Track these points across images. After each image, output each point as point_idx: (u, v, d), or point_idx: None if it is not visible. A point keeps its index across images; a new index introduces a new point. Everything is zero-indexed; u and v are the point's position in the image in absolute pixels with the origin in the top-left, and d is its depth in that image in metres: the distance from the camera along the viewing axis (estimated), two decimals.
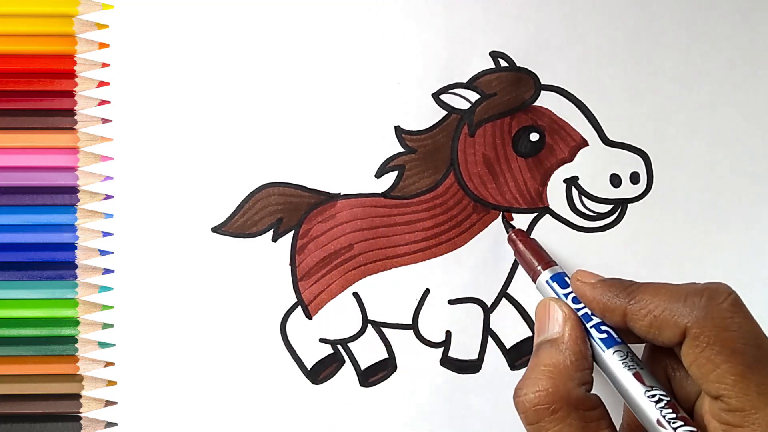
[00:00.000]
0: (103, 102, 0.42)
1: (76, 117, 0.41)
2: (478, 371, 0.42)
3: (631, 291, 0.35)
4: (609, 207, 0.42)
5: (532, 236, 0.41)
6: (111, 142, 0.41)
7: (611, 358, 0.35)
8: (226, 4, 0.42)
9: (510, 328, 0.42)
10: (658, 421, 0.32)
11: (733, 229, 0.42)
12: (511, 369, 0.42)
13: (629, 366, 0.34)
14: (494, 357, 0.42)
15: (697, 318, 0.32)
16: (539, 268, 0.39)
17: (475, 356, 0.42)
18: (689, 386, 0.34)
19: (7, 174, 0.41)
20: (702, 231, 0.42)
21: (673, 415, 0.32)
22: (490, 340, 0.42)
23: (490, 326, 0.42)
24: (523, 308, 0.42)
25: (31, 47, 0.41)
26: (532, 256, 0.40)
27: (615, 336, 0.35)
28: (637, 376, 0.34)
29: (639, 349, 0.36)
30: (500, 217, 0.41)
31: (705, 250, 0.42)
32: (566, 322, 0.36)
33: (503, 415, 0.41)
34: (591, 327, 0.36)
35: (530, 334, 0.42)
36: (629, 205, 0.42)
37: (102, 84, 0.42)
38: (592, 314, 0.36)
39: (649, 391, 0.33)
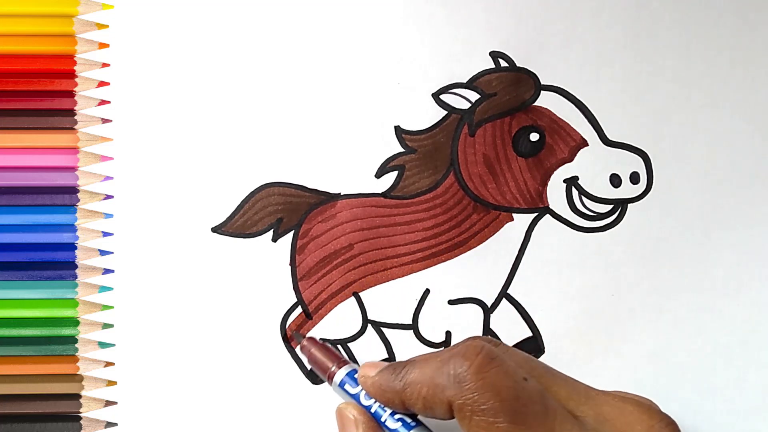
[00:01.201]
0: (103, 102, 0.42)
1: (76, 117, 0.41)
2: None
3: (402, 375, 0.34)
4: (609, 207, 0.42)
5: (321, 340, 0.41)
6: (111, 142, 0.41)
7: None
8: (226, 4, 0.42)
9: (510, 328, 0.42)
10: None
11: (733, 229, 0.42)
12: None
13: None
14: None
15: (455, 389, 0.32)
16: (333, 369, 0.38)
17: None
18: None
19: (7, 174, 0.41)
20: (702, 231, 0.42)
21: None
22: None
23: (490, 326, 0.42)
24: (523, 308, 0.42)
25: (31, 47, 0.41)
26: (325, 358, 0.39)
27: (409, 420, 0.35)
28: None
29: None
30: (287, 329, 0.41)
31: (705, 250, 0.42)
32: (358, 427, 0.36)
33: None
34: (387, 417, 0.36)
35: (530, 334, 0.42)
36: (629, 205, 0.42)
37: (102, 84, 0.42)
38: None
39: None
